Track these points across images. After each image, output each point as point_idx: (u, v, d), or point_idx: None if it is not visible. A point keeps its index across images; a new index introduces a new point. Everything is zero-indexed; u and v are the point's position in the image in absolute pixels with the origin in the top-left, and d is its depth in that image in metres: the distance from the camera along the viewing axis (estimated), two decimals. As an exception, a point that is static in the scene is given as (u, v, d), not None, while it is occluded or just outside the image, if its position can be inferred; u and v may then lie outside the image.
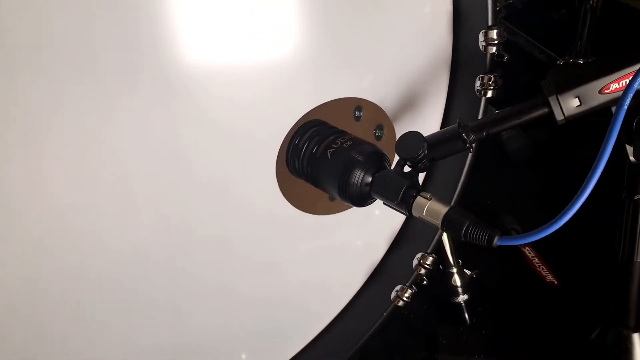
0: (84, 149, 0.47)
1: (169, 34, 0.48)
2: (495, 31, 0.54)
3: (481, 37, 0.56)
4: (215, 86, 0.51)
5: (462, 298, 0.84)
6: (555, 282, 0.88)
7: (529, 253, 0.91)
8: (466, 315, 0.84)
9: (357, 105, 0.59)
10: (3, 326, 0.50)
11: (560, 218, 0.43)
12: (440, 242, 0.69)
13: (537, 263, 0.91)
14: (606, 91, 0.48)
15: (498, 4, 1.02)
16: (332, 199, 0.60)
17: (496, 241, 0.45)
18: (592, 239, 0.79)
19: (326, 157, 0.54)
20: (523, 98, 0.52)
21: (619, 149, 0.54)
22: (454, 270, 0.83)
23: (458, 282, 0.84)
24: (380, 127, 0.61)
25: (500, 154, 1.12)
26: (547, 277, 0.89)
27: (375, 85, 0.59)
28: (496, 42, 0.55)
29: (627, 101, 0.44)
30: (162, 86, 0.49)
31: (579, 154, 0.99)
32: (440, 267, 0.81)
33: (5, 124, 0.45)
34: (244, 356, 0.66)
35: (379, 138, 0.62)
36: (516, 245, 0.86)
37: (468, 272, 0.84)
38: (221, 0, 0.49)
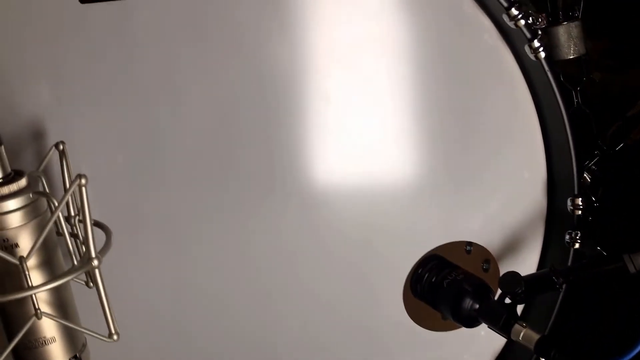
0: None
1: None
2: (580, 199, 0.67)
3: (569, 203, 0.69)
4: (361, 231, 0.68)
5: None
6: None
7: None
8: None
9: (468, 242, 0.73)
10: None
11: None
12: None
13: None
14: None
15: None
16: (444, 318, 0.72)
17: (577, 367, 0.57)
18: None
19: (442, 286, 0.68)
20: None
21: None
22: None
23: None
24: (487, 261, 0.73)
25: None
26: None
27: (483, 230, 0.71)
28: (581, 207, 0.68)
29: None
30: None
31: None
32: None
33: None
34: None
35: (486, 270, 0.73)
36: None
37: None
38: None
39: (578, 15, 0.71)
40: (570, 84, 0.74)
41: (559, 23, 0.69)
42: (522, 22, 0.60)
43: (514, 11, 0.60)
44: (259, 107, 0.61)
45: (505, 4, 0.60)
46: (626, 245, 0.63)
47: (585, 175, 0.73)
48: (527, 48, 0.62)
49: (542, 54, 0.62)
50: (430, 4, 0.62)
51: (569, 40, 0.70)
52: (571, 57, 0.71)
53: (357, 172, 0.66)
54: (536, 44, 0.62)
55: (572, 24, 0.70)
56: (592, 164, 0.79)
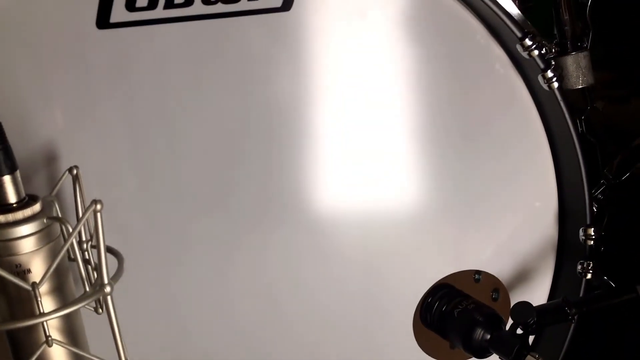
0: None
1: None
2: (592, 229, 0.67)
3: (581, 233, 0.68)
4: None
5: None
6: None
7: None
8: None
9: (477, 271, 0.72)
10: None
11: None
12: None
13: None
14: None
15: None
16: (452, 347, 0.71)
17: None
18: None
19: (453, 315, 0.67)
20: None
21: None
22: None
23: None
24: (496, 290, 0.73)
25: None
26: None
27: (494, 260, 0.71)
28: (593, 237, 0.67)
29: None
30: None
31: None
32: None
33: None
34: None
35: (495, 300, 0.73)
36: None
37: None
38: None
39: (586, 46, 0.71)
40: (574, 112, 0.74)
41: (567, 53, 0.69)
42: (536, 52, 0.61)
43: (528, 41, 0.60)
44: (265, 135, 0.61)
45: (519, 34, 0.60)
46: (637, 276, 0.63)
47: (591, 204, 0.73)
48: (540, 78, 0.63)
49: (556, 84, 0.62)
50: (442, 34, 0.63)
51: (578, 70, 0.70)
52: (579, 87, 0.71)
53: (366, 200, 0.66)
54: (550, 74, 0.62)
55: (581, 54, 0.70)
56: (598, 193, 0.79)
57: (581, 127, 0.74)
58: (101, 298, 0.49)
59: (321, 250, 0.66)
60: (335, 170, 0.64)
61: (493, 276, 0.72)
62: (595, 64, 0.73)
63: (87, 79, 0.55)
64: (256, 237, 0.63)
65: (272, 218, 0.63)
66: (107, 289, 0.46)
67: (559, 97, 0.63)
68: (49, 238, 0.45)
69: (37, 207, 0.45)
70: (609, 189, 1.10)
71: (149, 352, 0.63)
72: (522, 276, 0.73)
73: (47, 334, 0.44)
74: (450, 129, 0.66)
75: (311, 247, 0.65)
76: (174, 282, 0.63)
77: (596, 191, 0.79)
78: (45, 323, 0.44)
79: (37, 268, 0.44)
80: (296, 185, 0.63)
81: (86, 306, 0.50)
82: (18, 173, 0.45)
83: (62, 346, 0.46)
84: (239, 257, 0.64)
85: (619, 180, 1.09)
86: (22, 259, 0.44)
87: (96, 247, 0.45)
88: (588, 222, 0.68)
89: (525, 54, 0.61)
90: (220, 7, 0.56)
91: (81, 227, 0.50)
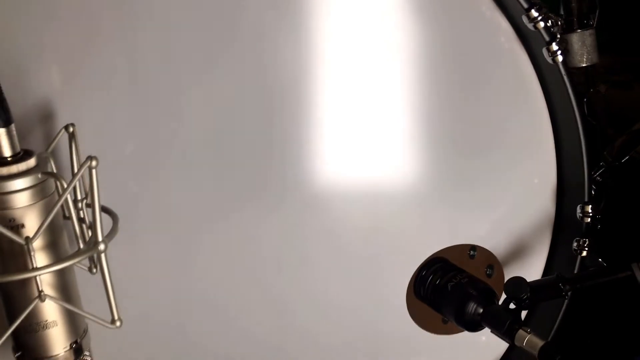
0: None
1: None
2: (590, 206, 0.67)
3: (578, 210, 0.68)
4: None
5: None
6: None
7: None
8: None
9: (472, 246, 0.73)
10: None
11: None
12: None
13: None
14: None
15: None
16: (445, 321, 0.72)
17: (582, 374, 0.56)
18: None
19: (447, 289, 0.67)
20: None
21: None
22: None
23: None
24: (491, 266, 0.73)
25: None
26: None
27: (489, 235, 0.71)
28: (590, 214, 0.67)
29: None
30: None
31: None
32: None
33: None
34: None
35: (489, 276, 0.73)
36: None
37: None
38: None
39: (592, 24, 0.71)
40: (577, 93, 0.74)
41: (573, 30, 0.69)
42: (542, 24, 0.60)
43: (534, 13, 0.59)
44: (265, 108, 0.60)
45: (525, 5, 0.60)
46: (632, 254, 0.63)
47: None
48: (545, 51, 0.62)
49: (560, 58, 0.62)
50: (446, 5, 0.62)
51: (582, 48, 0.70)
52: (584, 65, 0.70)
53: (364, 173, 0.66)
54: (554, 47, 0.61)
55: (586, 32, 0.69)
56: (597, 175, 0.79)
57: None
58: (95, 256, 0.49)
59: (317, 223, 0.65)
60: (333, 143, 0.63)
61: (488, 252, 0.72)
62: (600, 48, 0.72)
63: (86, 34, 0.54)
64: (256, 208, 0.63)
65: (268, 190, 0.63)
66: (101, 247, 0.45)
67: (563, 72, 0.62)
68: (43, 193, 0.45)
69: (32, 162, 0.45)
70: (608, 172, 1.10)
71: (141, 316, 0.63)
72: (518, 252, 0.73)
73: (40, 288, 0.44)
74: (451, 103, 0.66)
75: (308, 220, 0.65)
76: (169, 245, 0.62)
77: (595, 173, 0.78)
78: (38, 278, 0.44)
79: (31, 223, 0.44)
80: (294, 158, 0.62)
81: (80, 266, 0.50)
82: (13, 127, 0.44)
83: (55, 302, 0.46)
84: (237, 227, 0.63)
85: (618, 163, 1.09)
86: (16, 214, 0.44)
87: (91, 205, 0.45)
88: (586, 199, 0.68)
89: (530, 26, 0.61)
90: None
91: (76, 183, 0.49)
